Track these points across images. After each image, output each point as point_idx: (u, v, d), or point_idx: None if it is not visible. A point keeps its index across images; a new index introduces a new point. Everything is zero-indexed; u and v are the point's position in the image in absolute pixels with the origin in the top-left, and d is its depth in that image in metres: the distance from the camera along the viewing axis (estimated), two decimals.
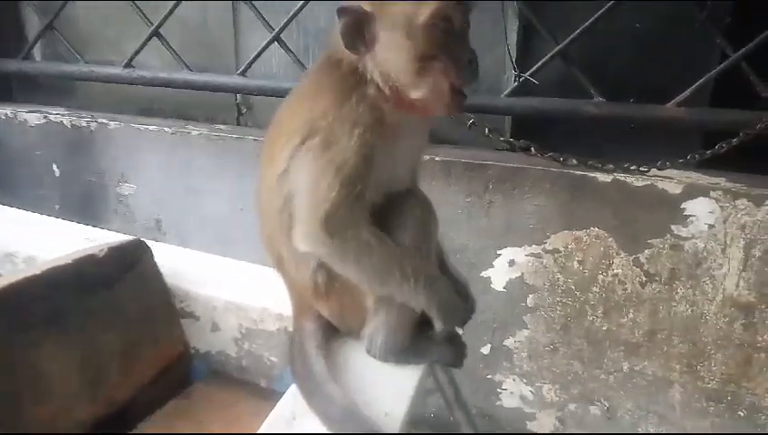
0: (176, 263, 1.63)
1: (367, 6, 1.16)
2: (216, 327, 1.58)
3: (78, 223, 2.03)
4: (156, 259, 1.52)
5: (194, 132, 2.70)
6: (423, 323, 1.33)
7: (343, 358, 1.30)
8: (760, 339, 1.96)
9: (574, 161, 2.07)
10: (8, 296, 1.19)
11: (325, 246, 1.19)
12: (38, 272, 1.26)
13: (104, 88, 3.03)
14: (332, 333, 1.36)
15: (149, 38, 2.67)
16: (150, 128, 2.77)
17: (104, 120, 2.88)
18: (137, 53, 2.74)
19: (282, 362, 1.51)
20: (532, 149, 2.11)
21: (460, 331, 1.51)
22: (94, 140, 2.91)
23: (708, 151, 1.97)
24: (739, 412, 2.04)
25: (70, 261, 1.33)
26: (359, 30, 1.17)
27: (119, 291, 1.39)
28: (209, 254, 1.79)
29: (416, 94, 1.20)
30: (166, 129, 2.74)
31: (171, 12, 2.60)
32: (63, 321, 1.28)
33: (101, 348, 1.34)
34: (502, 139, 2.16)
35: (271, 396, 1.46)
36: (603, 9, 1.99)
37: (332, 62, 1.24)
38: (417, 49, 1.16)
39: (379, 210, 1.26)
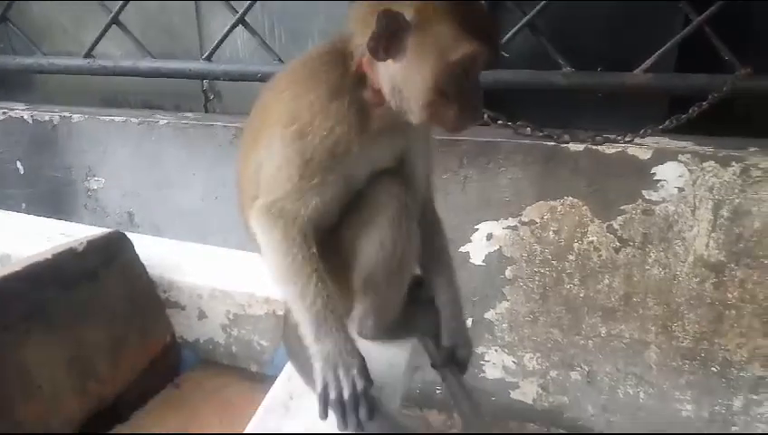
0: (157, 253, 1.61)
1: (409, 16, 1.08)
2: (202, 315, 1.57)
3: (51, 218, 1.97)
4: (137, 250, 1.50)
5: (161, 122, 2.64)
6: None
7: None
8: (730, 296, 2.03)
9: (540, 133, 2.09)
10: None
11: (258, 227, 1.20)
12: (18, 268, 1.23)
13: (64, 80, 2.94)
14: None
15: (108, 26, 2.59)
16: (116, 119, 2.70)
17: (67, 114, 2.79)
18: (96, 42, 2.65)
19: (272, 346, 1.51)
20: (529, 129, 2.14)
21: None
22: (58, 135, 2.82)
23: (684, 116, 2.00)
24: (712, 368, 2.12)
25: (49, 256, 1.30)
26: (392, 38, 1.08)
27: (101, 284, 1.37)
28: (190, 242, 1.77)
29: (417, 118, 1.16)
30: (132, 119, 2.67)
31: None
32: (47, 317, 1.26)
33: (87, 343, 1.32)
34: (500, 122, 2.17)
35: (263, 380, 1.46)
36: None
37: (334, 56, 1.18)
38: (437, 81, 1.10)
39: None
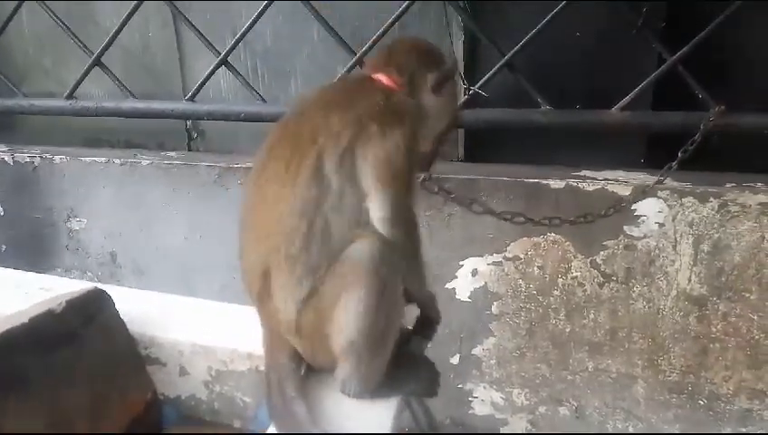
0: (137, 308, 1.58)
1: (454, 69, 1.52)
2: (184, 371, 1.54)
3: (30, 271, 1.95)
4: (117, 306, 1.47)
5: (144, 162, 2.63)
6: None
7: (318, 392, 1.29)
8: (714, 330, 2.04)
9: (521, 219, 2.02)
10: None
11: (403, 210, 1.26)
12: None
13: (45, 121, 2.93)
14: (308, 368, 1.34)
15: (91, 68, 2.59)
16: (98, 160, 2.69)
17: (48, 155, 2.78)
18: (78, 83, 2.64)
19: (255, 402, 1.49)
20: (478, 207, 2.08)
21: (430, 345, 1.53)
22: (39, 176, 2.80)
23: (678, 157, 1.95)
24: (699, 401, 2.13)
25: (26, 320, 1.26)
26: (443, 81, 1.45)
27: (81, 345, 1.33)
28: (170, 295, 1.75)
29: (426, 146, 1.47)
30: (115, 160, 2.66)
31: (112, 41, 2.52)
32: (25, 384, 1.23)
33: (67, 406, 1.28)
34: (452, 196, 2.11)
35: None
36: (547, 18, 2.02)
37: (367, 84, 1.40)
38: (452, 120, 1.56)
39: None
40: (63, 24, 2.58)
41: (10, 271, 1.89)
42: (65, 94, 2.67)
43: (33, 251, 2.87)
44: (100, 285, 1.51)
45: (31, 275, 1.87)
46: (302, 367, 1.32)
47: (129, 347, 1.47)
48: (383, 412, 1.26)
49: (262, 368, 1.35)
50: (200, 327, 1.56)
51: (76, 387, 1.32)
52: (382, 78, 1.41)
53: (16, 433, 1.17)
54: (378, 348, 1.24)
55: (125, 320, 1.48)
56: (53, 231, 2.86)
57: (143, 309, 1.60)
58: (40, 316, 1.28)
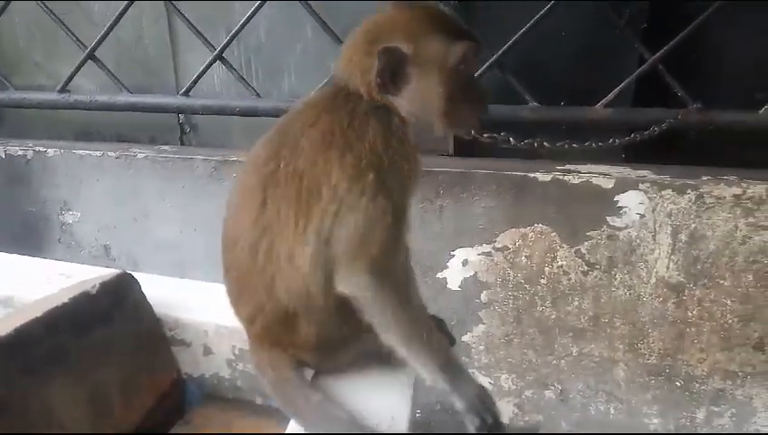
0: (161, 292, 1.65)
1: (404, 48, 1.18)
2: (208, 351, 1.61)
3: (50, 259, 1.99)
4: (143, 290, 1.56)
5: (139, 155, 2.66)
6: None
7: (333, 381, 1.37)
8: (690, 315, 2.16)
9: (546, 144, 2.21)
10: (15, 340, 1.23)
11: (366, 291, 1.16)
12: (38, 314, 1.29)
13: (36, 114, 2.93)
14: None
15: (84, 62, 2.60)
16: (93, 153, 2.71)
17: (42, 148, 2.78)
18: (71, 77, 2.66)
19: None
20: (511, 139, 2.22)
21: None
22: (32, 169, 2.81)
23: (626, 139, 2.14)
24: (676, 383, 2.25)
25: (66, 300, 1.36)
26: (395, 71, 1.19)
27: (113, 325, 1.43)
28: (192, 280, 1.82)
29: (440, 129, 1.28)
30: (110, 153, 2.68)
31: (106, 35, 2.54)
32: (66, 360, 1.32)
33: (103, 383, 1.38)
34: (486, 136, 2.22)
35: (268, 412, 1.52)
36: (535, 18, 2.12)
37: (348, 98, 1.24)
38: (446, 89, 1.22)
39: None
40: (56, 17, 2.59)
41: (28, 258, 1.94)
42: (58, 88, 2.69)
43: (27, 244, 2.87)
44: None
45: (49, 261, 1.92)
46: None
47: (155, 328, 1.56)
48: (399, 394, 1.34)
49: None
50: (222, 309, 1.61)
51: (110, 365, 1.41)
52: (355, 88, 1.25)
53: None
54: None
55: (150, 303, 1.56)
56: (47, 224, 2.87)
57: (167, 293, 1.67)
58: (78, 297, 1.37)
